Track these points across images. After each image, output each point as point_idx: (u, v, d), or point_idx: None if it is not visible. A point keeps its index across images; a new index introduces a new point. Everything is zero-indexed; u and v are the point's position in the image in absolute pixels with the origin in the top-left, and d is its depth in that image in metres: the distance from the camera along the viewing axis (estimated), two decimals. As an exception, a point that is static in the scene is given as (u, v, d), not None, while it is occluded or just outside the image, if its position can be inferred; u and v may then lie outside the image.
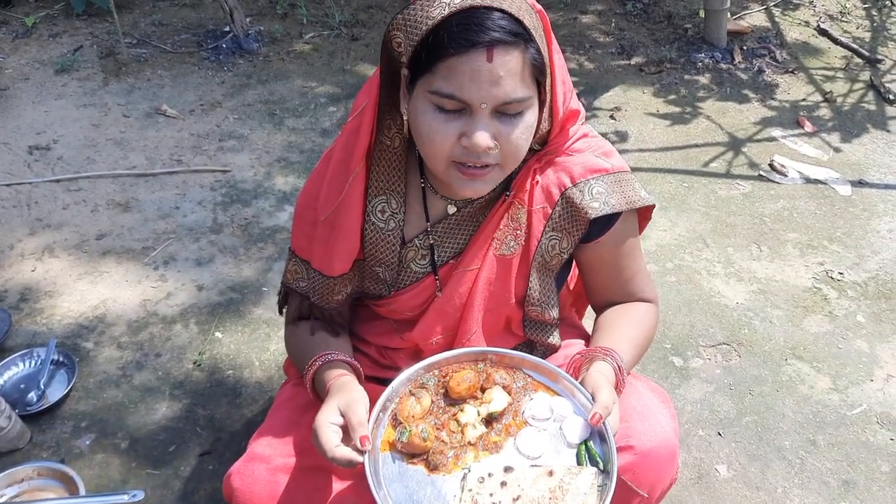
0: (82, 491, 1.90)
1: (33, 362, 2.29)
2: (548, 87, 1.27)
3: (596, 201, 1.38)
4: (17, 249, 2.74)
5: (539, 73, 1.22)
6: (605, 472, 1.20)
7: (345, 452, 1.19)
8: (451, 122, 1.19)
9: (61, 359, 2.30)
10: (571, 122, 1.39)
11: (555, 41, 1.28)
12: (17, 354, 2.29)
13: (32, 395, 2.18)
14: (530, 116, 1.23)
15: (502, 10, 1.15)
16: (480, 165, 1.22)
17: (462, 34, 1.13)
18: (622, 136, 3.56)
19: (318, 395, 1.39)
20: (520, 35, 1.16)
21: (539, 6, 1.24)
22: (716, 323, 2.56)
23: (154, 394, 2.24)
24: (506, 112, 1.19)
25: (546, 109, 1.31)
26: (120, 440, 2.11)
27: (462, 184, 1.25)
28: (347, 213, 1.39)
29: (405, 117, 1.27)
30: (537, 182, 1.40)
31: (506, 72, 1.15)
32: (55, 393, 2.21)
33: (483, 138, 1.17)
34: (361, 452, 1.19)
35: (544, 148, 1.40)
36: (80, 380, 2.27)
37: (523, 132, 1.22)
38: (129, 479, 2.01)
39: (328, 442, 1.20)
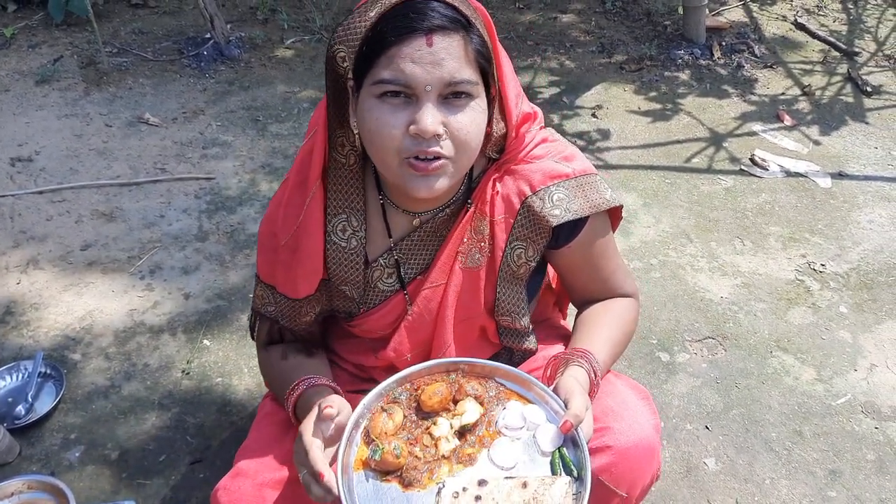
0: (73, 503, 1.89)
1: (20, 375, 2.29)
2: (496, 81, 1.27)
3: (557, 208, 1.37)
4: (1, 262, 2.73)
5: (484, 60, 1.22)
6: (579, 479, 1.20)
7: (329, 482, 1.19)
8: (397, 112, 1.18)
9: (49, 371, 2.29)
10: (527, 125, 1.39)
11: (499, 44, 1.28)
12: (3, 368, 2.29)
13: (20, 409, 2.17)
14: (478, 105, 1.22)
15: (439, 0, 1.17)
16: (432, 157, 1.20)
17: (401, 22, 1.15)
18: (604, 134, 3.59)
19: (300, 420, 1.38)
20: (459, 22, 1.17)
21: (479, 4, 1.26)
22: (701, 317, 2.58)
23: (143, 404, 2.24)
24: (452, 95, 1.19)
25: (497, 109, 1.31)
26: (110, 451, 2.11)
27: (415, 182, 1.22)
28: (308, 234, 1.38)
29: (355, 131, 1.27)
30: (497, 192, 1.39)
31: (447, 54, 1.16)
32: (43, 406, 2.20)
33: (430, 120, 1.16)
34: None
35: (502, 156, 1.39)
36: (68, 392, 2.26)
37: (472, 119, 1.21)
38: (120, 490, 2.01)
39: (318, 462, 1.19)
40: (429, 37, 1.15)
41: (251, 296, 2.57)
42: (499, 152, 1.40)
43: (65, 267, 2.72)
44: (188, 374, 2.34)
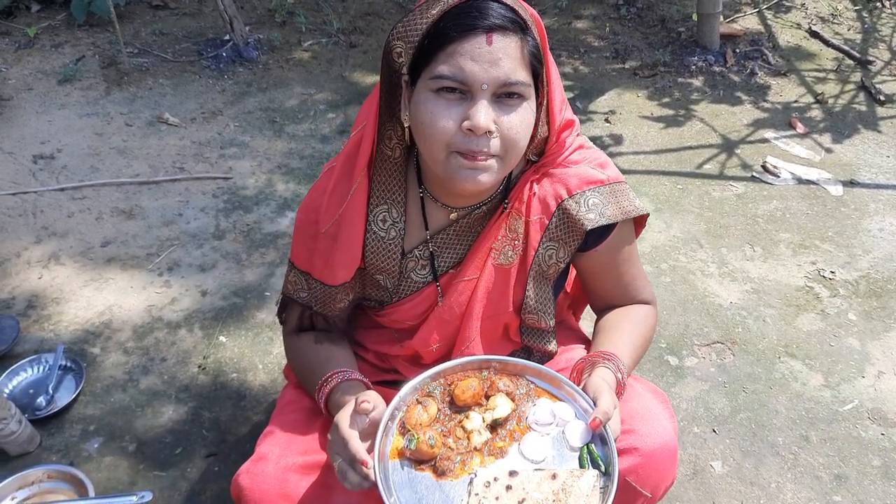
0: (92, 493, 1.94)
1: (41, 368, 2.34)
2: (545, 86, 1.31)
3: (592, 212, 1.42)
4: (23, 257, 2.79)
5: (537, 63, 1.26)
6: (606, 473, 1.24)
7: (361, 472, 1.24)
8: (452, 107, 1.22)
9: (69, 364, 2.35)
10: (568, 131, 1.43)
11: (549, 50, 1.33)
12: (25, 360, 2.34)
13: (41, 400, 2.23)
14: (529, 107, 1.26)
15: (499, 1, 1.21)
16: (480, 155, 1.24)
17: (462, 20, 1.20)
18: (617, 140, 3.61)
19: (332, 413, 1.42)
20: (517, 24, 1.22)
21: (534, 10, 1.30)
22: (710, 322, 2.61)
23: (160, 397, 2.29)
24: (506, 95, 1.23)
25: (544, 113, 1.35)
26: (127, 443, 2.16)
27: (463, 173, 1.25)
28: (349, 223, 1.42)
29: (406, 124, 1.31)
30: (534, 193, 1.44)
31: (505, 54, 1.20)
32: (63, 397, 2.26)
33: (484, 117, 1.20)
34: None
35: (541, 159, 1.44)
36: (87, 384, 2.32)
37: (522, 120, 1.25)
38: (137, 481, 2.06)
39: (359, 451, 1.24)
40: (489, 35, 1.19)
41: (267, 294, 2.64)
42: (538, 155, 1.44)
43: (85, 263, 2.78)
44: (204, 369, 2.38)
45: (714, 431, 2.23)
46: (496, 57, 1.19)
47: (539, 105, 1.32)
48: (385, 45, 1.29)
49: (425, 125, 1.24)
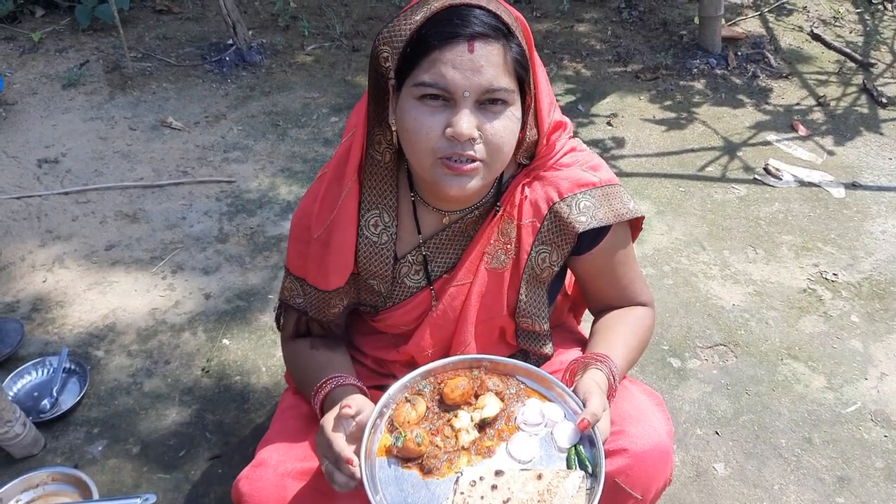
0: (96, 495, 1.94)
1: (46, 371, 2.35)
2: (531, 89, 1.31)
3: (583, 215, 1.41)
4: (28, 261, 2.80)
5: (521, 69, 1.26)
6: (593, 475, 1.23)
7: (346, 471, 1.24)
8: (436, 114, 1.22)
9: (73, 367, 2.36)
10: (558, 133, 1.43)
11: (536, 53, 1.33)
12: (30, 363, 2.35)
13: (46, 403, 2.24)
14: (513, 112, 1.26)
15: (482, 7, 1.21)
16: (465, 160, 1.24)
17: (444, 27, 1.20)
18: (619, 143, 3.62)
19: None
20: (500, 30, 1.22)
21: (519, 14, 1.30)
22: (712, 324, 2.61)
23: (164, 400, 2.30)
24: (489, 102, 1.23)
25: (532, 116, 1.35)
26: (131, 445, 2.17)
27: (448, 180, 1.26)
28: (341, 228, 1.42)
29: (394, 128, 1.31)
30: (526, 197, 1.43)
31: (487, 62, 1.20)
32: (68, 400, 2.27)
33: (466, 125, 1.20)
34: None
35: (532, 163, 1.44)
36: (91, 387, 2.32)
37: (506, 126, 1.25)
38: (141, 484, 2.06)
39: (343, 450, 1.25)
40: (470, 43, 1.19)
41: (270, 297, 2.65)
42: (529, 158, 1.44)
43: (89, 266, 2.79)
44: (208, 372, 2.39)
45: (717, 433, 2.23)
46: (478, 65, 1.19)
47: (526, 109, 1.32)
48: (372, 50, 1.30)
49: (410, 131, 1.25)
